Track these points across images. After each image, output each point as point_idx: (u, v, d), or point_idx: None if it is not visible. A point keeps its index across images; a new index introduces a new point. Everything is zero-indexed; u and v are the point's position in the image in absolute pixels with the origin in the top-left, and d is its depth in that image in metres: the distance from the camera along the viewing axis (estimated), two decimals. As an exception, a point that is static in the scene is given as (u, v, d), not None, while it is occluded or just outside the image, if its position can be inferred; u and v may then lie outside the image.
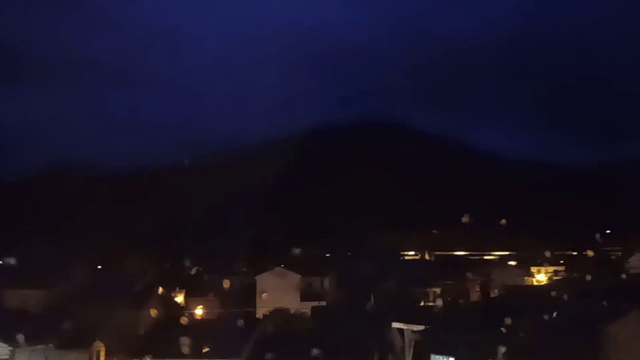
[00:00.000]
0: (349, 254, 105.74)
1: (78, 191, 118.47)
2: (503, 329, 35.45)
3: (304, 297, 74.21)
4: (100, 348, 55.41)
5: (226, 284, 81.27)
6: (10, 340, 44.95)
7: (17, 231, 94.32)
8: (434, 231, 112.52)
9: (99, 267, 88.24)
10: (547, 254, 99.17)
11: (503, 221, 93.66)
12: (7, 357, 44.51)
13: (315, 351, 49.07)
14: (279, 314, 62.64)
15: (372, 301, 66.15)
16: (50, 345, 48.36)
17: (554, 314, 36.72)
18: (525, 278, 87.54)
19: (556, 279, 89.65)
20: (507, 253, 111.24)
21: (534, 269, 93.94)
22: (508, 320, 35.43)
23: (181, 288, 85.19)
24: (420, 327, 47.19)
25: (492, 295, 72.98)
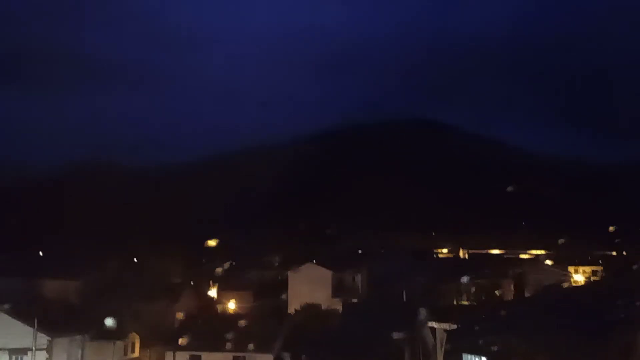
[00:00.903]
0: (382, 251, 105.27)
1: (112, 187, 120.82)
2: (537, 329, 34.74)
3: (336, 293, 74.14)
4: (135, 339, 56.45)
5: (258, 278, 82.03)
6: (48, 330, 46.05)
7: (55, 225, 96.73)
8: (468, 229, 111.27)
9: (135, 260, 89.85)
10: (585, 253, 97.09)
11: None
12: (45, 347, 45.59)
13: (345, 347, 49.07)
14: (311, 309, 62.76)
15: (404, 299, 65.73)
16: (87, 335, 49.37)
17: (590, 315, 35.82)
18: (562, 278, 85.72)
19: (594, 279, 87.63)
20: (543, 252, 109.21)
21: (571, 269, 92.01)
22: (542, 320, 34.71)
23: (214, 282, 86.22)
24: (453, 326, 46.61)
25: (526, 295, 71.73)
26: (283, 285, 76.36)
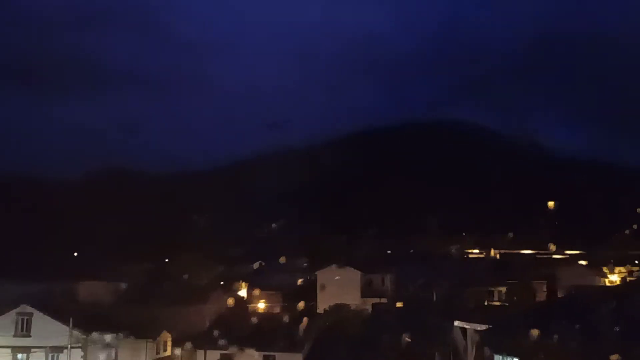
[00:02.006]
0: (411, 251, 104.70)
1: (142, 190, 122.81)
2: (570, 330, 34.20)
3: (365, 294, 74.05)
4: (167, 338, 57.26)
5: (288, 279, 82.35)
6: (83, 328, 47.06)
7: (87, 228, 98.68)
8: (499, 229, 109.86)
9: (166, 261, 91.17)
10: (621, 252, 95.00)
11: None
12: (80, 345, 46.61)
13: (375, 348, 48.96)
14: (340, 310, 62.74)
15: (434, 299, 65.33)
16: (120, 334, 50.25)
17: (626, 316, 35.06)
18: (597, 278, 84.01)
19: (630, 279, 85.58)
20: (577, 252, 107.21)
21: (606, 269, 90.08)
22: (575, 321, 34.15)
23: (244, 282, 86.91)
24: (484, 327, 46.15)
25: (559, 295, 70.54)
26: (312, 286, 76.55)
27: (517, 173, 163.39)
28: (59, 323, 46.57)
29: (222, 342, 51.28)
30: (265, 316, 66.46)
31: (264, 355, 49.87)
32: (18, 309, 48.47)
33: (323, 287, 73.74)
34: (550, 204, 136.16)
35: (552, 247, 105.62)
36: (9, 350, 47.59)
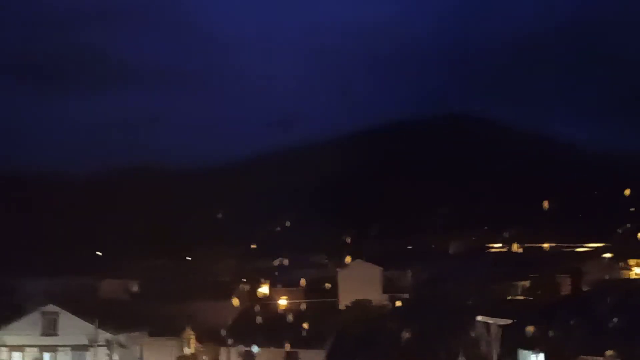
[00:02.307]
0: (432, 246, 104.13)
1: (162, 187, 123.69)
2: (595, 325, 33.69)
3: (386, 290, 73.89)
4: (191, 336, 57.77)
5: (309, 275, 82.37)
6: (108, 327, 47.64)
7: (110, 225, 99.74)
8: (522, 223, 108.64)
9: (188, 259, 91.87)
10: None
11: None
12: (105, 343, 47.19)
13: (398, 344, 48.80)
14: (361, 305, 62.71)
15: (457, 294, 64.86)
16: (145, 332, 50.78)
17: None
18: (622, 271, 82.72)
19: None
20: (602, 245, 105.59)
21: (632, 262, 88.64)
22: (601, 316, 33.63)
23: (266, 279, 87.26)
24: (507, 321, 45.68)
25: (584, 289, 69.54)
26: (333, 282, 76.57)
27: (539, 165, 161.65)
28: (84, 322, 47.17)
29: (244, 339, 51.56)
30: (287, 312, 66.67)
31: (287, 352, 50.02)
32: (44, 308, 49.22)
33: (344, 283, 73.74)
34: (573, 196, 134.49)
35: (577, 241, 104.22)
36: (36, 349, 48.37)
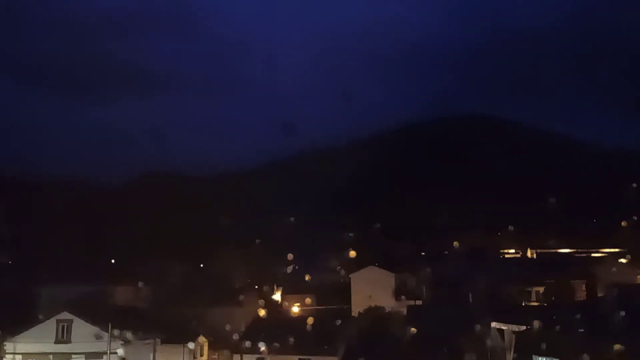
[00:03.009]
0: (445, 252, 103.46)
1: (175, 194, 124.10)
2: (611, 330, 33.27)
3: (398, 296, 73.53)
4: (204, 343, 57.79)
5: (321, 281, 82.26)
6: (120, 334, 47.72)
7: (122, 233, 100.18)
8: (536, 228, 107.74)
9: (201, 265, 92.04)
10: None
11: None
12: (118, 351, 47.26)
13: (411, 351, 48.46)
14: (374, 312, 62.42)
15: (470, 301, 64.35)
16: (158, 339, 50.83)
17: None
18: (638, 276, 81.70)
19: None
20: (617, 250, 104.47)
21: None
22: (616, 321, 33.21)
23: (278, 286, 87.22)
24: (522, 328, 45.29)
25: (599, 295, 68.81)
26: (346, 288, 76.37)
27: (552, 170, 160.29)
28: (97, 329, 47.32)
29: (257, 346, 51.45)
30: (299, 319, 66.59)
31: (300, 359, 49.86)
32: (58, 316, 49.46)
33: (356, 289, 73.55)
34: (587, 201, 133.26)
35: (591, 246, 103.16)
36: (49, 357, 48.59)
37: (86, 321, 48.65)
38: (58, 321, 49.28)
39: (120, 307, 62.81)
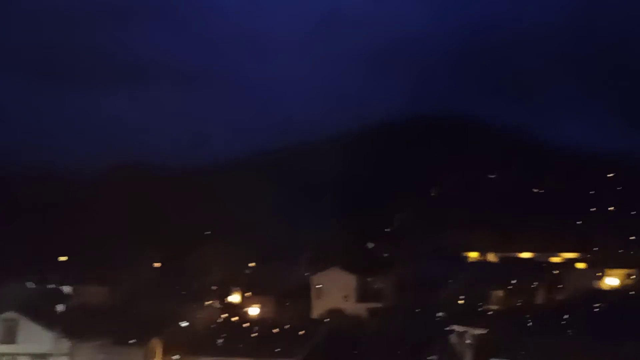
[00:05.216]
0: (409, 254, 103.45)
1: (143, 188, 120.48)
2: (568, 333, 33.20)
3: (360, 298, 72.95)
4: (158, 345, 56.01)
5: (283, 282, 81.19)
6: (70, 335, 45.97)
7: (81, 229, 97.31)
8: (496, 232, 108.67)
9: (159, 264, 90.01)
10: (620, 255, 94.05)
11: None
12: (66, 352, 45.51)
13: (370, 353, 47.92)
14: (335, 315, 61.72)
15: (431, 303, 64.26)
16: (109, 340, 49.10)
17: (623, 317, 34.09)
18: (595, 281, 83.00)
19: (628, 283, 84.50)
20: (576, 255, 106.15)
21: (606, 272, 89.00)
22: (574, 324, 33.17)
23: (240, 286, 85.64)
24: (482, 330, 45.22)
25: (558, 298, 69.55)
26: (307, 290, 75.46)
27: (513, 173, 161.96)
28: (44, 329, 45.44)
29: (215, 349, 50.26)
30: (259, 321, 65.40)
31: (257, 363, 48.84)
32: (3, 315, 47.33)
33: (318, 290, 72.71)
34: (548, 204, 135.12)
35: (551, 250, 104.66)
36: (-7, 356, 46.52)
37: (32, 321, 46.57)
38: (3, 320, 47.09)
39: (73, 307, 60.58)
